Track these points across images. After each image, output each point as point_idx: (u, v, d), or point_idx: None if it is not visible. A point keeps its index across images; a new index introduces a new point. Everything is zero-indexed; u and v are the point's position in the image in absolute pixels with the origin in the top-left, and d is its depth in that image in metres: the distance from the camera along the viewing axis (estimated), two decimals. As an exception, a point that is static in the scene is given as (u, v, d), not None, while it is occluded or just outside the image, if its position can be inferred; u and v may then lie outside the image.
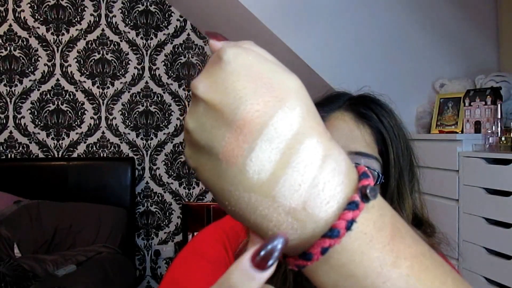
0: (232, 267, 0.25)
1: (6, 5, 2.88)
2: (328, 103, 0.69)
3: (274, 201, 0.26)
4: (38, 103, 2.93)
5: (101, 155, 3.00)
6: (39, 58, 2.92)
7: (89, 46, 2.97)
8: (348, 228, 0.26)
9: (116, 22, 2.99)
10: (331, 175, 0.27)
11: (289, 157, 0.26)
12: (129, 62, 3.01)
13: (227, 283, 0.25)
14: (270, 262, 0.25)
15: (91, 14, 2.96)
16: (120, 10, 3.00)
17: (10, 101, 2.90)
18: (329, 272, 0.27)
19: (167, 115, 3.06)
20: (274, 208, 0.26)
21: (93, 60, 2.97)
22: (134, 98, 3.02)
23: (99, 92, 2.99)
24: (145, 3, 3.02)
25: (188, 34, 3.07)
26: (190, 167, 0.36)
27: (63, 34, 2.94)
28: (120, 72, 3.00)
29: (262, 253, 0.25)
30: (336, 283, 0.28)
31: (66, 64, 2.95)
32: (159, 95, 3.05)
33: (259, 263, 0.25)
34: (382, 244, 0.27)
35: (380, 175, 0.64)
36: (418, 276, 0.27)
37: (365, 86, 0.73)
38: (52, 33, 2.93)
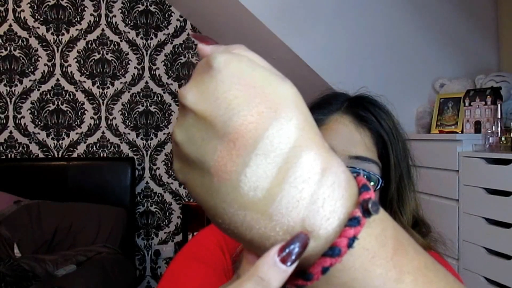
0: (259, 261, 0.25)
1: (6, 5, 2.87)
2: (325, 105, 0.68)
3: (271, 219, 0.25)
4: (38, 103, 2.93)
5: (101, 155, 3.00)
6: (39, 58, 2.92)
7: (89, 46, 2.97)
8: (350, 245, 0.25)
9: (116, 22, 2.99)
10: (331, 190, 0.25)
11: (286, 172, 0.25)
12: (129, 62, 3.01)
13: (257, 276, 0.24)
14: (293, 257, 0.24)
15: (91, 14, 2.96)
16: (120, 10, 3.00)
17: (10, 101, 2.90)
18: None
19: (167, 115, 3.06)
20: (272, 226, 0.25)
21: (93, 60, 2.97)
22: (134, 98, 3.02)
23: (99, 92, 2.99)
24: (145, 3, 3.02)
25: (188, 34, 3.07)
26: (179, 181, 0.33)
27: (63, 34, 2.94)
28: (120, 72, 3.00)
29: (288, 249, 0.24)
30: None
31: (66, 64, 2.95)
32: (159, 95, 3.05)
33: (284, 258, 0.24)
34: (385, 259, 0.26)
35: (380, 180, 0.64)
36: None
37: (362, 87, 0.73)
38: (52, 33, 2.93)
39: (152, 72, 3.04)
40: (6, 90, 2.89)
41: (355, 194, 0.27)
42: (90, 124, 2.98)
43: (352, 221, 0.25)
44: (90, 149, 2.99)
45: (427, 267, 0.28)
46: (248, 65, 0.26)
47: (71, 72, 2.95)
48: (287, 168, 0.25)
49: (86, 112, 2.98)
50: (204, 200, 0.27)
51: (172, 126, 3.05)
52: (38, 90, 2.92)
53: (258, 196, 0.25)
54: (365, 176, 0.62)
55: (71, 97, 2.96)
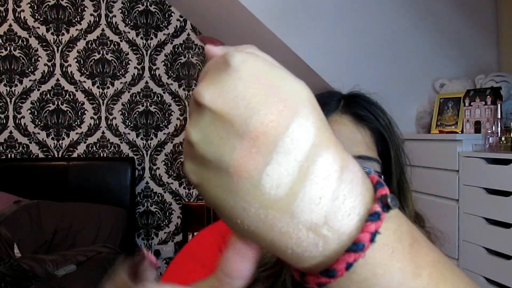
0: None
1: (6, 5, 2.87)
2: (322, 105, 0.68)
3: (294, 217, 0.25)
4: (38, 103, 2.93)
5: (101, 155, 3.00)
6: (39, 58, 2.92)
7: (89, 46, 2.97)
8: (372, 240, 0.25)
9: (116, 22, 2.99)
10: (350, 187, 0.26)
11: (307, 170, 0.25)
12: (129, 62, 3.01)
13: None
14: None
15: (91, 14, 2.96)
16: (120, 10, 3.00)
17: (10, 101, 2.90)
18: (350, 287, 0.26)
19: (167, 115, 3.06)
20: (294, 224, 0.25)
21: (93, 60, 2.97)
22: (134, 98, 3.02)
23: (99, 92, 2.99)
24: (145, 3, 3.02)
25: (188, 34, 3.07)
26: (192, 183, 0.32)
27: (63, 34, 2.94)
28: (120, 72, 3.00)
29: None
30: None
31: (66, 64, 2.95)
32: (159, 95, 3.05)
33: None
34: (403, 254, 0.26)
35: (383, 177, 0.64)
36: (437, 284, 0.27)
37: (356, 85, 0.73)
38: (52, 33, 2.93)
39: (152, 72, 3.04)
40: (6, 90, 2.89)
41: (371, 190, 0.27)
42: (90, 124, 2.98)
43: (373, 216, 0.25)
44: (90, 149, 2.99)
45: (440, 262, 0.28)
46: (265, 64, 0.26)
47: (71, 72, 2.95)
48: (308, 166, 0.25)
49: (86, 112, 2.98)
50: (222, 201, 0.26)
51: (172, 126, 3.05)
52: (38, 90, 2.92)
53: (280, 194, 0.25)
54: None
55: (71, 97, 2.96)
